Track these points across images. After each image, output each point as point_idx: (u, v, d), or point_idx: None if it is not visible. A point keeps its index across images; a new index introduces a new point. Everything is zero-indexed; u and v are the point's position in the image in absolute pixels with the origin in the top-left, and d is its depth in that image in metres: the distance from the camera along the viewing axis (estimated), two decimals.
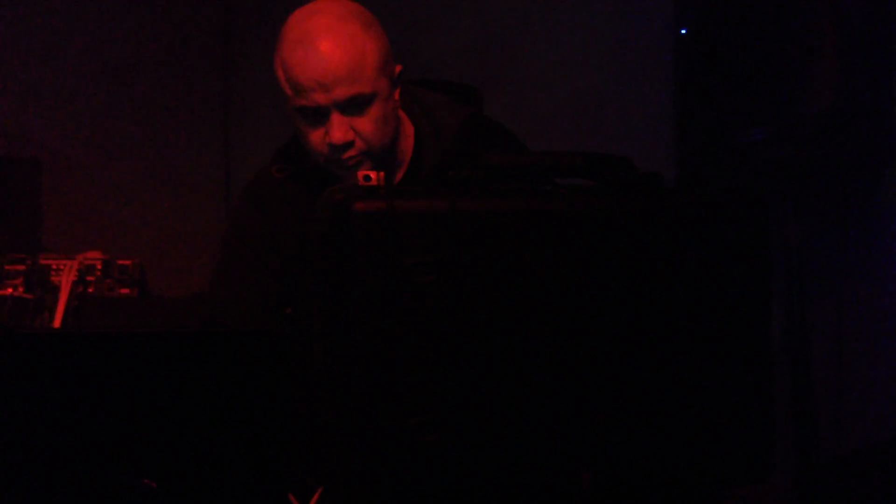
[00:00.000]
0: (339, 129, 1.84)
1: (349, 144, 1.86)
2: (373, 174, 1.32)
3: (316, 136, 1.87)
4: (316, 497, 1.41)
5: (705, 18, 2.79)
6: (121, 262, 2.33)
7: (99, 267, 2.23)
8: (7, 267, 2.09)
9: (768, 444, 1.38)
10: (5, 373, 1.24)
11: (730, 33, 2.73)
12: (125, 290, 2.27)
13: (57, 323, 1.97)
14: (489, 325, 1.29)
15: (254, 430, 1.31)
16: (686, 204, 1.35)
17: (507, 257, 1.30)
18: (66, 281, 2.00)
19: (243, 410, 1.31)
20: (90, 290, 2.19)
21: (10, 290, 2.01)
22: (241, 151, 3.67)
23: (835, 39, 2.61)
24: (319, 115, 1.85)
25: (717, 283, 1.36)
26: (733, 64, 2.71)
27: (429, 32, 3.38)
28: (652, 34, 3.07)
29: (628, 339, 1.33)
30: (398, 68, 1.92)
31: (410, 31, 3.23)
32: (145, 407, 1.28)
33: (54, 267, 2.12)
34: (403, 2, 3.30)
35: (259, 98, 3.58)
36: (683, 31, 2.83)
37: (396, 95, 1.93)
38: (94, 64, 3.39)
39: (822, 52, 2.62)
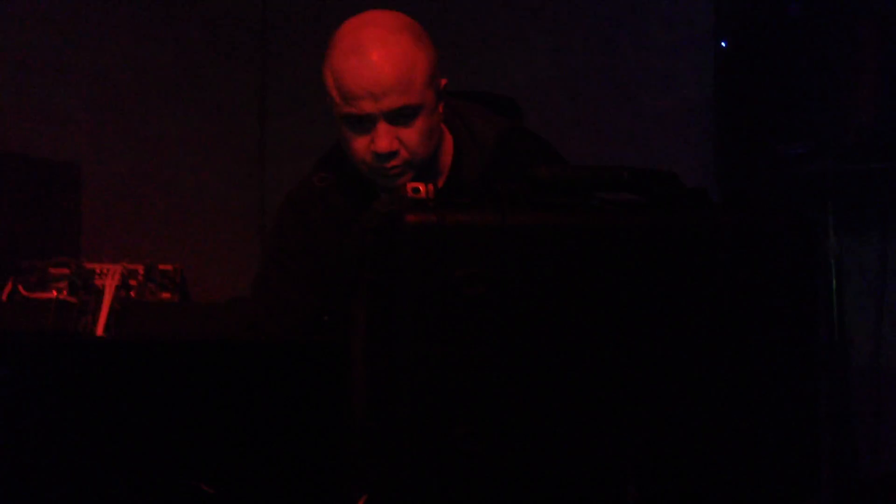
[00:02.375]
0: (384, 138, 1.86)
1: (393, 154, 1.87)
2: (421, 186, 1.33)
3: (360, 144, 1.88)
4: None
5: (746, 31, 2.78)
6: (162, 266, 2.33)
7: (141, 272, 2.23)
8: (51, 270, 2.10)
9: (814, 463, 1.37)
10: (66, 377, 1.26)
11: (771, 46, 2.72)
12: (166, 295, 2.27)
13: (100, 326, 1.98)
14: (537, 337, 1.30)
15: (305, 439, 1.32)
16: (734, 221, 1.35)
17: (555, 271, 1.30)
18: (109, 285, 2.01)
19: (295, 420, 1.32)
20: (132, 294, 2.20)
21: (54, 293, 2.02)
22: (276, 157, 3.69)
23: (877, 54, 2.59)
24: (366, 124, 1.87)
25: (764, 301, 1.36)
26: (774, 77, 2.70)
27: (466, 45, 3.38)
28: (692, 46, 3.06)
29: (675, 355, 1.33)
30: (443, 81, 1.93)
31: (448, 42, 3.23)
32: (203, 414, 1.30)
33: (98, 271, 2.13)
34: (441, 12, 3.31)
35: (295, 104, 3.60)
36: (724, 44, 2.82)
37: (441, 108, 1.94)
38: (132, 69, 3.42)
39: (864, 66, 2.61)
